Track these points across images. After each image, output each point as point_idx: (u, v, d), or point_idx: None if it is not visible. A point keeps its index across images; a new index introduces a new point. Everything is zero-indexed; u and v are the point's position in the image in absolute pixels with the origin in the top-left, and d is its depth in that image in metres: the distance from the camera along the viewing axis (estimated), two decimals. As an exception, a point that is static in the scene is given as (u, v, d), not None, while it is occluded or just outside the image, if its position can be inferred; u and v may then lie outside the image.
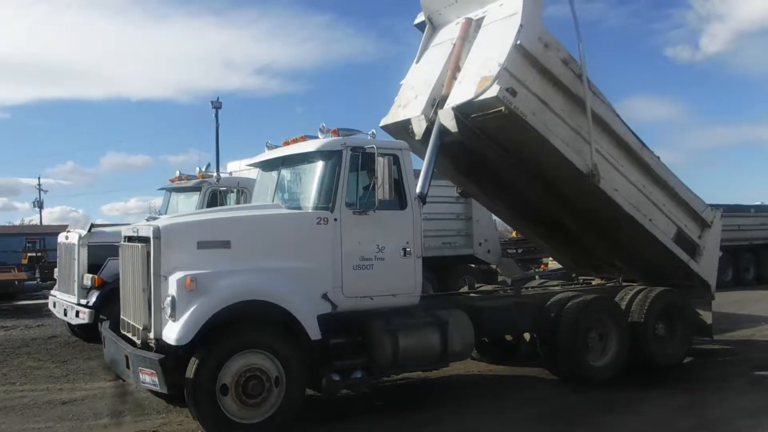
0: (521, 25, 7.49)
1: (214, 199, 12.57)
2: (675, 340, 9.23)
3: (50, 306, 12.34)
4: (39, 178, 61.84)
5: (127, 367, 6.38)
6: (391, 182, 6.82)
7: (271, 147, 8.15)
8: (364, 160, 6.94)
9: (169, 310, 6.01)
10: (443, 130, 7.80)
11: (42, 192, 61.51)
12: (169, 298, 6.04)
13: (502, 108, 7.36)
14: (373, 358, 6.88)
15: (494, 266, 16.70)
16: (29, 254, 34.40)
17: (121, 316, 7.12)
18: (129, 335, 6.83)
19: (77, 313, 10.77)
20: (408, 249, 7.20)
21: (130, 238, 7.00)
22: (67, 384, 9.00)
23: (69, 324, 12.02)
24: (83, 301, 10.73)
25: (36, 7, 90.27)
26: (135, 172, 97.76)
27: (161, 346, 6.17)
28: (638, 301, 8.98)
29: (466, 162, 9.25)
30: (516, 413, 7.35)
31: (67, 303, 11.19)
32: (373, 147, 6.86)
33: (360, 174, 7.04)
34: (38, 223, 59.49)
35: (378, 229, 7.06)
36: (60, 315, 11.69)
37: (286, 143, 7.84)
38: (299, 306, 6.42)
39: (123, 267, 7.15)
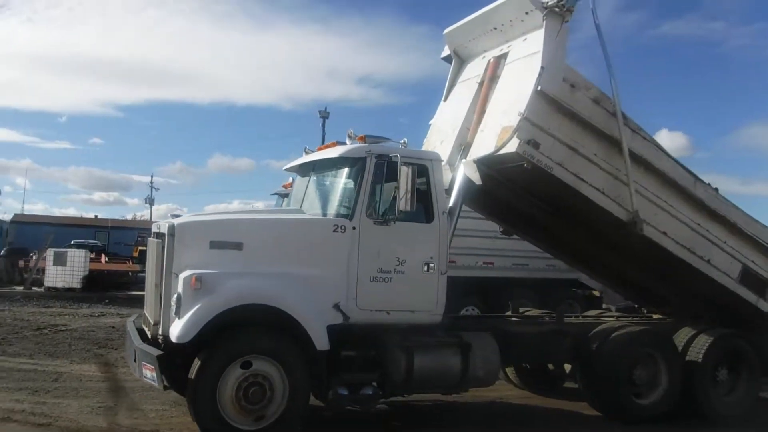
0: (542, 68, 6.73)
1: None
2: (738, 389, 8.33)
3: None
4: (152, 177, 65.99)
5: (134, 360, 6.44)
6: (413, 193, 6.53)
7: (308, 152, 8.07)
8: (389, 169, 6.68)
9: (174, 308, 6.01)
10: (467, 181, 7.20)
11: (153, 189, 65.40)
12: (175, 296, 6.03)
13: (524, 163, 6.79)
14: (385, 375, 6.60)
15: (597, 293, 15.95)
16: (140, 248, 36.58)
17: (144, 310, 7.24)
18: (146, 329, 6.91)
19: None
20: (431, 264, 6.86)
21: (156, 234, 7.10)
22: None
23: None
24: None
25: (147, 12, 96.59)
26: (239, 174, 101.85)
27: (167, 342, 6.18)
28: (698, 342, 8.14)
29: (497, 207, 8.75)
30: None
31: None
32: (397, 155, 6.61)
33: (384, 183, 6.78)
34: (148, 219, 63.38)
35: (399, 241, 6.78)
36: None
37: (320, 149, 7.74)
38: (307, 314, 6.24)
39: (147, 262, 7.27)
